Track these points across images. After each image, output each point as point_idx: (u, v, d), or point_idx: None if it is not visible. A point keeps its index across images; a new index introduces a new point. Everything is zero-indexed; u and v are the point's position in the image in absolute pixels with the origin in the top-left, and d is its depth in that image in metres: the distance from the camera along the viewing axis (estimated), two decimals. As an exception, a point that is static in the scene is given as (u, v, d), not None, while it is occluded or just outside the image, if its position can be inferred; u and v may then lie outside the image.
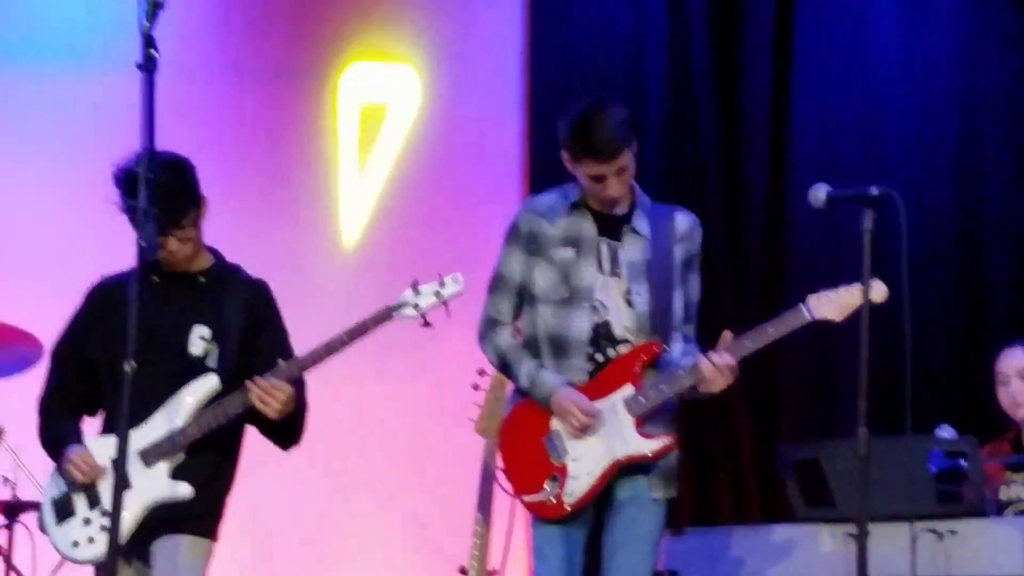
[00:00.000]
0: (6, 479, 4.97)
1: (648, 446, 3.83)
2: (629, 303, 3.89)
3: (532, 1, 6.25)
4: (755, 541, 4.36)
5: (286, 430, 3.88)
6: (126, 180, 3.73)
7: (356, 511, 5.85)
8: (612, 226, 3.93)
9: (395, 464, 5.84)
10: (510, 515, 4.56)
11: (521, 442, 3.92)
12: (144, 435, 3.77)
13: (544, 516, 3.86)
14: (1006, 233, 5.77)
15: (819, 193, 3.64)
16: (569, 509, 3.82)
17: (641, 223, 3.94)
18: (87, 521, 3.79)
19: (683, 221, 3.98)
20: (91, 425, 3.96)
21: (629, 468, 3.84)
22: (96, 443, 3.84)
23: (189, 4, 5.80)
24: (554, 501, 3.83)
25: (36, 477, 4.55)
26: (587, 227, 3.92)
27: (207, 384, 3.81)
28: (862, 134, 5.99)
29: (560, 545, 3.86)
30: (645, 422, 3.85)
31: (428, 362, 5.75)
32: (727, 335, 3.81)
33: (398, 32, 6.18)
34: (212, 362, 3.84)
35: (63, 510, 3.82)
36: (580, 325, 3.87)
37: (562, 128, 3.87)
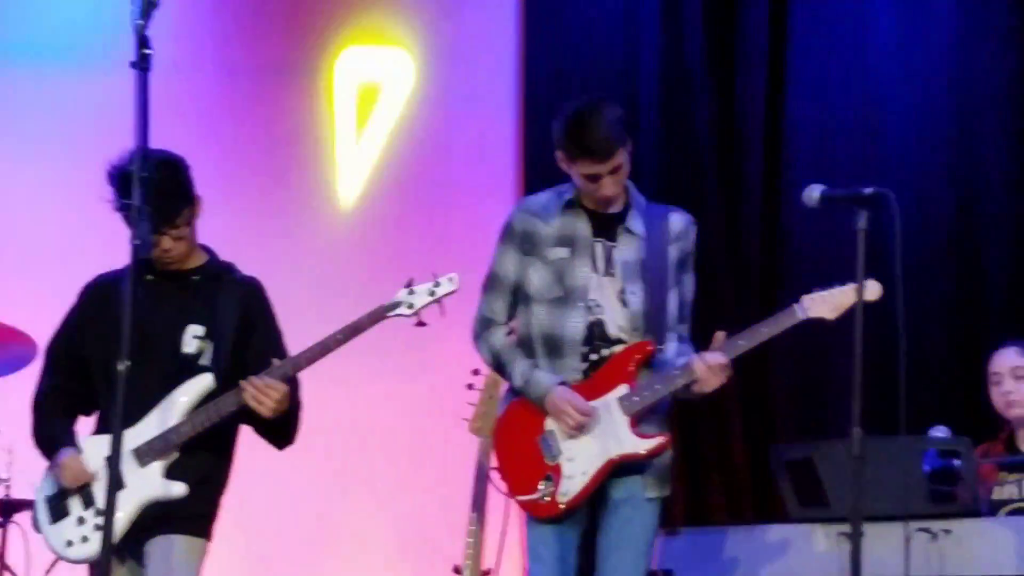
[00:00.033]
0: (0, 478, 4.97)
1: (642, 445, 3.84)
2: (623, 302, 3.89)
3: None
4: (749, 541, 4.36)
5: (280, 429, 3.89)
6: (120, 178, 3.73)
7: (349, 511, 5.85)
8: (606, 225, 3.94)
9: (389, 464, 5.84)
10: (504, 515, 4.56)
11: (515, 442, 3.93)
12: (138, 434, 3.77)
13: (538, 515, 3.87)
14: (1003, 233, 5.76)
15: (813, 193, 3.64)
16: (563, 508, 3.83)
17: (636, 223, 3.95)
18: (81, 520, 3.80)
19: (678, 221, 3.99)
20: (86, 424, 3.96)
21: (623, 467, 3.85)
22: (90, 442, 3.85)
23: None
24: (549, 500, 3.84)
25: (30, 476, 4.55)
26: (581, 227, 3.93)
27: (201, 383, 3.82)
28: (860, 133, 5.97)
29: (554, 545, 3.86)
30: (639, 421, 3.85)
31: (422, 362, 5.75)
32: (720, 335, 3.82)
33: (393, 25, 6.19)
34: (206, 361, 3.84)
35: (57, 509, 3.83)
36: (574, 325, 3.88)
37: (556, 128, 3.88)
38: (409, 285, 3.81)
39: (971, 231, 5.83)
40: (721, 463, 5.91)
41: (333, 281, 5.86)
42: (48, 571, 4.66)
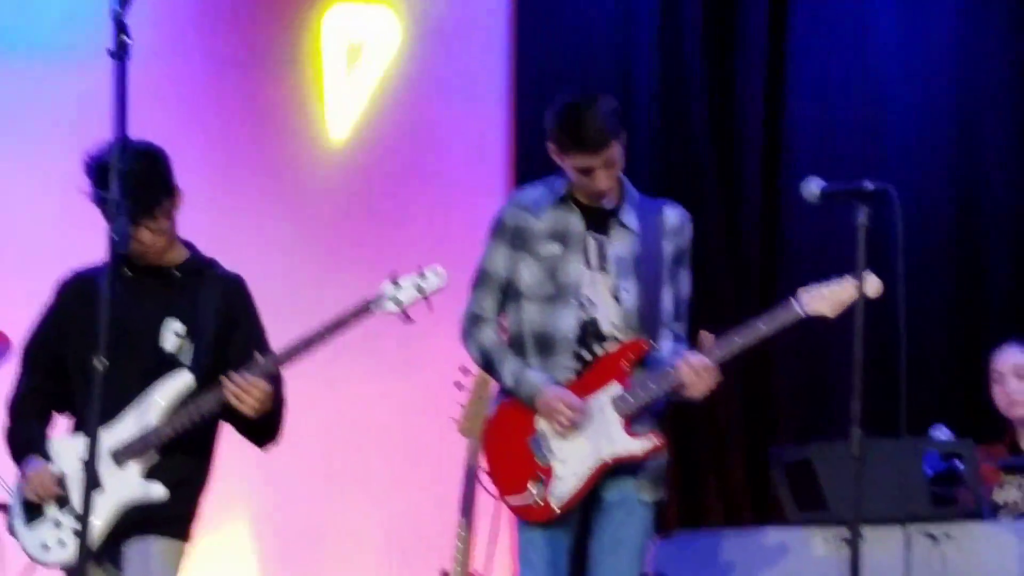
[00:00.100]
0: (-27, 481, 4.94)
1: (638, 446, 3.82)
2: (617, 299, 3.88)
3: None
4: (745, 545, 4.37)
5: (263, 428, 3.86)
6: (98, 170, 3.71)
7: (335, 513, 5.84)
8: (600, 220, 3.92)
9: (375, 465, 5.83)
10: (494, 518, 4.55)
11: (505, 443, 3.91)
12: (115, 434, 3.75)
13: (529, 519, 3.85)
14: (1004, 231, 5.80)
15: (812, 187, 3.63)
16: (557, 511, 3.81)
17: (629, 217, 3.93)
18: (57, 523, 3.77)
19: (673, 215, 3.98)
20: (63, 423, 3.94)
21: (616, 469, 3.83)
22: (66, 443, 3.82)
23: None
24: (540, 503, 3.82)
25: (5, 478, 4.52)
26: (574, 221, 3.92)
27: (181, 381, 3.79)
28: (860, 131, 6.00)
29: (545, 549, 3.85)
30: (633, 422, 3.84)
31: (409, 360, 5.74)
32: (707, 337, 3.81)
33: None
34: (186, 358, 3.82)
35: (32, 512, 3.80)
36: (567, 322, 3.86)
37: (549, 119, 3.86)
38: (393, 278, 3.78)
39: (972, 230, 5.87)
40: (717, 464, 5.92)
41: (322, 248, 5.84)
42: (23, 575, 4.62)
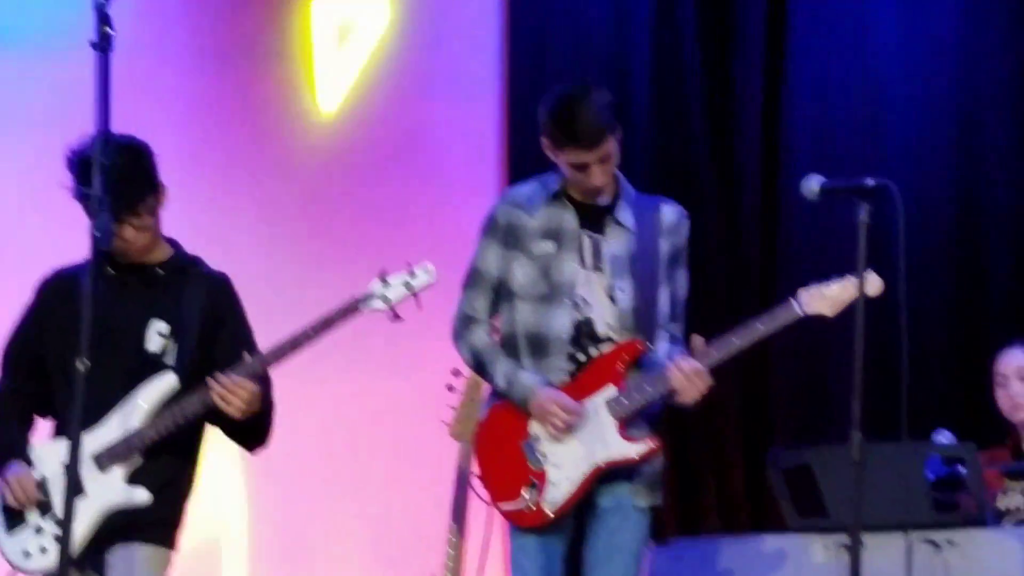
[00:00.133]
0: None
1: (633, 449, 3.80)
2: (612, 299, 3.86)
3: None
4: (743, 551, 4.36)
5: (251, 431, 3.84)
6: (80, 165, 3.68)
7: (322, 519, 5.83)
8: (594, 218, 3.90)
9: (364, 469, 5.81)
10: (486, 524, 4.53)
11: (498, 446, 3.89)
12: (98, 438, 3.72)
13: (522, 524, 3.83)
14: (1006, 231, 5.81)
15: (812, 184, 3.62)
16: (551, 517, 3.79)
17: (625, 215, 3.91)
18: (39, 530, 3.74)
19: (669, 213, 3.95)
20: (45, 426, 3.91)
21: (612, 474, 3.81)
22: (46, 447, 3.79)
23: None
24: (533, 509, 3.80)
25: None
26: (568, 219, 3.89)
27: (165, 383, 3.76)
28: (860, 128, 6.02)
29: (538, 555, 3.82)
30: (628, 425, 3.82)
31: (399, 362, 5.73)
32: (699, 341, 3.79)
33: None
34: (170, 359, 3.79)
35: (13, 518, 3.76)
36: (560, 322, 3.84)
37: (542, 114, 3.84)
38: (383, 276, 3.76)
39: (973, 229, 5.89)
40: (715, 469, 5.91)
41: (311, 247, 5.84)
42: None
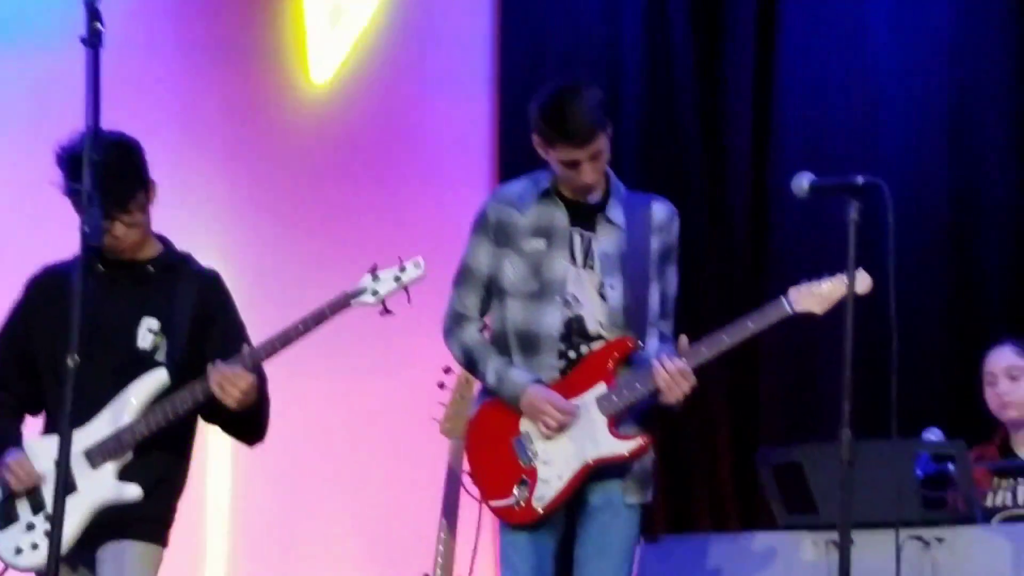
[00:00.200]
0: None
1: (622, 446, 3.82)
2: (603, 297, 3.88)
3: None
4: (733, 549, 4.36)
5: (248, 424, 3.86)
6: (69, 161, 3.70)
7: (311, 516, 5.82)
8: (585, 215, 3.91)
9: (354, 467, 5.81)
10: (477, 521, 4.53)
11: (488, 444, 3.91)
12: (89, 434, 3.74)
13: (512, 521, 3.85)
14: (999, 228, 5.79)
15: (802, 182, 3.64)
16: (540, 513, 3.81)
17: (616, 212, 3.93)
18: (30, 526, 3.76)
19: (660, 210, 3.97)
20: (34, 424, 3.92)
21: (602, 471, 3.83)
22: (37, 444, 3.81)
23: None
24: (523, 506, 3.82)
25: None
26: (559, 216, 3.91)
27: (156, 379, 3.78)
28: (853, 124, 5.99)
29: (529, 553, 3.84)
30: (618, 422, 3.84)
31: (390, 358, 5.73)
32: (684, 340, 3.81)
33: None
34: (161, 356, 3.81)
35: (5, 515, 3.78)
36: (551, 320, 3.86)
37: (533, 111, 3.85)
38: (373, 271, 3.78)
39: (967, 228, 5.87)
40: (705, 467, 5.90)
41: (301, 245, 5.85)
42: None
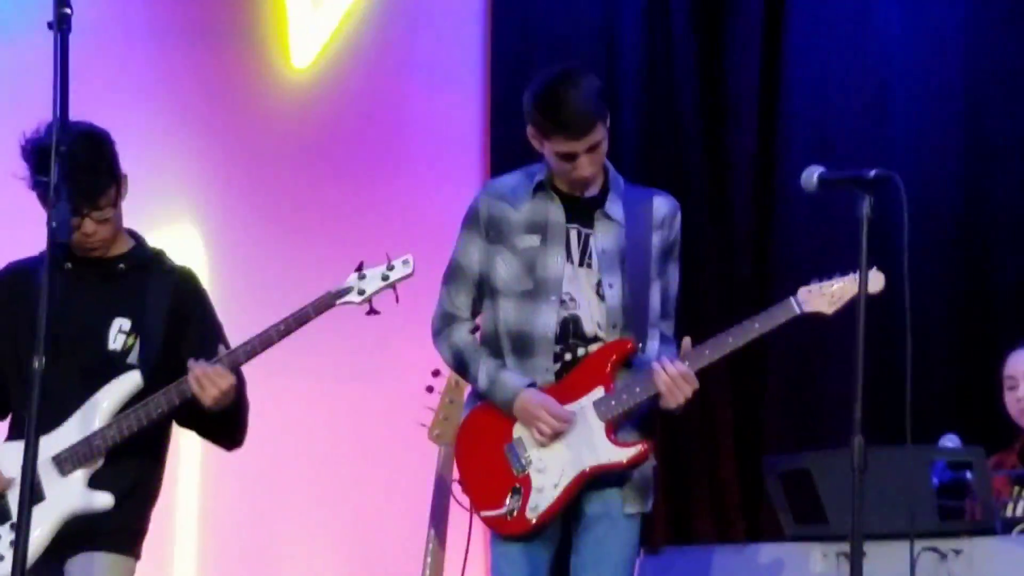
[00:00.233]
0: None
1: (621, 454, 3.79)
2: (601, 296, 3.85)
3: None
4: (739, 561, 4.40)
5: (226, 427, 3.84)
6: (36, 153, 3.67)
7: (295, 526, 5.83)
8: (582, 211, 3.88)
9: (338, 474, 5.81)
10: (467, 531, 4.52)
11: (480, 451, 3.89)
12: (58, 440, 3.71)
13: (503, 532, 3.82)
14: (1015, 224, 5.84)
15: (812, 176, 3.61)
16: (533, 523, 3.78)
17: (614, 207, 3.89)
18: (-5, 537, 3.71)
19: (662, 206, 3.94)
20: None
21: (600, 480, 3.80)
22: (2, 451, 3.76)
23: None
24: (516, 516, 3.79)
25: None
26: (554, 211, 3.87)
27: (129, 381, 3.75)
28: (862, 118, 6.05)
29: (523, 565, 3.82)
30: (616, 428, 3.81)
31: (376, 361, 5.73)
32: (687, 343, 3.79)
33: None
34: (133, 358, 3.78)
35: (-29, 525, 3.74)
36: (546, 321, 3.83)
37: (527, 100, 3.81)
38: (360, 269, 3.76)
39: (980, 224, 5.94)
40: (709, 474, 5.93)
41: (290, 243, 5.83)
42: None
